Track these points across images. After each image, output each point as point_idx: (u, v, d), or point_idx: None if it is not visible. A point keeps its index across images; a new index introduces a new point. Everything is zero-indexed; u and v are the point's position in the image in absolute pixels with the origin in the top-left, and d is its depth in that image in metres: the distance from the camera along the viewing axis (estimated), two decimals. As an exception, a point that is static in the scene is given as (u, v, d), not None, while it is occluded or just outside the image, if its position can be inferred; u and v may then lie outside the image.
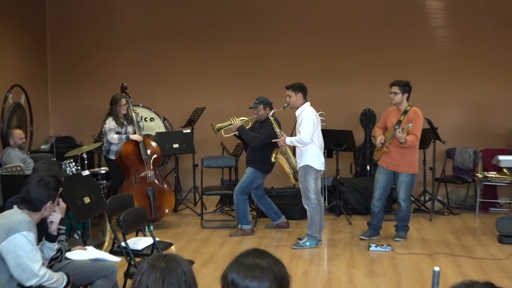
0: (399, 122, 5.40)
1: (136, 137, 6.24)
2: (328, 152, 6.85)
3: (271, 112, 5.70)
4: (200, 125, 7.70)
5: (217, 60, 8.18)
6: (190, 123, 7.44)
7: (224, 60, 8.17)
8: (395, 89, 5.45)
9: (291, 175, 5.75)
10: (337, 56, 7.89)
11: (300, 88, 5.41)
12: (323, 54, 7.92)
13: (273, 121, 5.69)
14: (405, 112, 5.42)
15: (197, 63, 8.21)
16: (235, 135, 6.09)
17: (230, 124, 5.98)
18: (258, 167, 5.90)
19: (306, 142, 5.27)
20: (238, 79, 8.15)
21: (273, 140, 5.58)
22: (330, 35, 7.89)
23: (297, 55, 7.97)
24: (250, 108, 5.97)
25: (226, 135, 6.08)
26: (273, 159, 5.77)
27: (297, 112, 5.41)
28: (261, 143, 5.81)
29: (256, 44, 8.08)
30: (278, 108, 5.63)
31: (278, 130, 5.66)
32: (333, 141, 6.57)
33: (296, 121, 5.50)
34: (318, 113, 5.58)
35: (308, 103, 5.42)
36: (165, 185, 6.37)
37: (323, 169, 5.48)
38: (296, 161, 5.55)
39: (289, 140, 5.43)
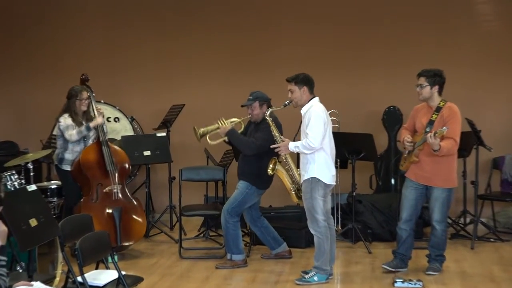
0: (430, 123, 5.42)
1: (97, 121, 6.20)
2: (342, 162, 6.89)
3: (268, 111, 5.71)
4: (178, 127, 7.73)
5: (200, 48, 8.25)
6: (166, 124, 7.47)
7: (210, 49, 8.24)
8: (422, 80, 5.47)
9: (293, 192, 5.72)
10: (354, 46, 7.99)
11: (304, 81, 5.42)
12: (337, 44, 8.03)
13: (270, 122, 5.70)
14: (438, 109, 5.44)
15: (175, 52, 8.29)
16: (224, 141, 6.10)
17: (218, 128, 5.94)
18: (253, 180, 5.91)
19: (315, 147, 5.26)
20: (227, 72, 8.22)
21: (271, 146, 5.59)
22: (346, 21, 8.00)
23: (303, 44, 8.06)
24: (243, 106, 5.98)
25: (212, 142, 6.05)
26: (270, 171, 5.76)
27: (303, 110, 5.42)
28: (257, 150, 5.81)
29: (252, 31, 8.16)
30: (278, 106, 5.63)
31: (277, 134, 5.66)
32: (348, 147, 6.59)
33: (301, 122, 5.51)
34: (329, 112, 5.58)
35: (316, 99, 5.42)
36: (135, 203, 6.37)
37: (334, 183, 5.48)
38: (299, 174, 5.56)
39: (293, 145, 5.41)
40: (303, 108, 5.42)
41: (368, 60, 7.93)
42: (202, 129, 5.99)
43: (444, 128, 5.19)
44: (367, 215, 6.93)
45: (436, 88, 5.45)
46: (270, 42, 8.14)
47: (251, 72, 8.08)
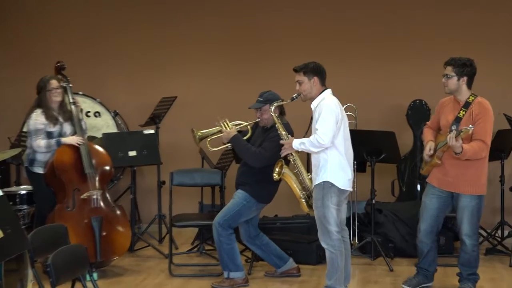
0: (457, 120, 5.42)
1: (73, 139, 6.24)
2: (359, 164, 6.91)
3: (273, 106, 5.68)
4: (168, 123, 7.77)
5: (195, 35, 8.30)
6: (154, 120, 7.49)
7: (205, 35, 8.29)
8: (449, 70, 5.47)
9: (303, 200, 5.70)
10: (374, 33, 8.04)
11: (315, 70, 5.40)
12: (354, 31, 8.07)
13: (276, 119, 5.69)
14: (467, 104, 5.44)
15: (166, 39, 8.35)
16: (226, 148, 6.13)
17: (220, 132, 5.96)
18: (254, 192, 5.90)
19: (325, 144, 5.24)
20: (225, 62, 8.27)
21: (281, 142, 5.56)
22: (362, 5, 8.06)
23: (312, 31, 8.11)
24: (250, 108, 6.00)
25: (213, 149, 6.04)
26: (275, 176, 5.72)
27: (313, 104, 5.41)
28: (266, 163, 5.80)
29: (254, 16, 8.21)
30: (285, 100, 5.64)
31: (283, 133, 5.64)
32: (367, 147, 6.61)
33: (311, 118, 5.51)
34: (345, 106, 5.60)
35: (328, 91, 5.41)
36: (117, 212, 6.38)
37: (351, 189, 5.46)
38: (310, 178, 5.57)
39: (298, 142, 5.39)
40: (313, 102, 5.40)
41: (391, 48, 7.96)
42: (202, 132, 6.00)
43: (469, 127, 5.12)
44: (389, 226, 6.94)
45: (464, 79, 5.44)
46: (274, 29, 8.17)
47: (252, 61, 8.12)
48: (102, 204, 6.28)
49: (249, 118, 6.09)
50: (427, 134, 5.69)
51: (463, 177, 5.45)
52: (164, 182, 7.32)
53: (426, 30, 7.92)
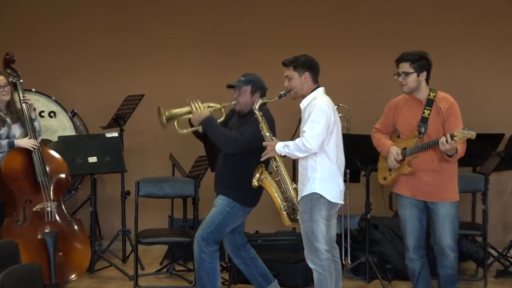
0: (423, 121, 5.50)
1: (25, 142, 6.23)
2: (353, 174, 6.94)
3: (258, 103, 5.64)
4: (134, 125, 7.80)
5: (167, 23, 8.32)
6: (118, 121, 7.51)
7: (180, 22, 8.30)
8: (406, 67, 5.55)
9: (285, 212, 5.67)
10: (369, 20, 8.10)
11: (307, 65, 5.41)
12: (345, 17, 8.13)
13: (260, 118, 5.63)
14: (430, 102, 5.52)
15: (132, 27, 8.35)
16: (196, 132, 5.97)
17: (190, 113, 5.90)
18: (237, 194, 5.83)
19: (311, 149, 5.22)
20: (202, 53, 8.29)
21: (264, 144, 5.53)
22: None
23: (300, 17, 8.14)
24: (230, 86, 5.94)
25: (181, 131, 5.85)
26: (254, 183, 5.68)
27: (303, 103, 5.41)
28: (242, 148, 5.74)
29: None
30: (271, 98, 5.60)
31: (267, 134, 5.59)
32: (361, 154, 6.62)
33: (300, 119, 5.51)
34: (336, 107, 5.60)
35: (321, 89, 5.42)
36: (75, 227, 6.36)
37: (342, 202, 5.48)
38: (295, 188, 5.58)
39: (281, 145, 5.38)
40: (303, 101, 5.42)
41: (389, 42, 7.98)
42: (170, 111, 5.88)
43: (466, 129, 5.14)
44: (386, 245, 6.98)
45: (424, 75, 5.54)
46: (256, 16, 8.21)
47: (231, 53, 8.15)
48: (57, 217, 6.25)
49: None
50: (384, 140, 5.72)
51: (440, 184, 5.50)
52: (129, 193, 7.34)
53: (427, 26, 8.01)
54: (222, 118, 5.99)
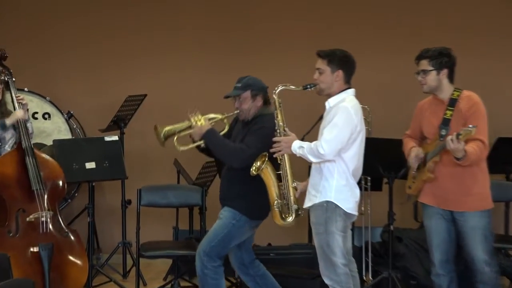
0: (445, 123, 5.45)
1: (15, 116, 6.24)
2: (375, 181, 6.93)
3: (278, 89, 5.53)
4: (136, 128, 7.84)
5: (170, 20, 8.38)
6: (118, 124, 7.54)
7: (182, 20, 8.36)
8: (425, 64, 5.54)
9: (276, 208, 5.61)
10: (396, 16, 8.11)
11: (342, 62, 5.39)
12: (368, 12, 8.15)
13: (278, 105, 5.56)
14: (452, 102, 5.49)
15: (133, 25, 8.40)
16: (198, 147, 6.01)
17: (190, 127, 5.93)
18: (243, 207, 5.84)
19: (325, 156, 5.20)
20: (206, 53, 8.33)
21: (274, 139, 5.49)
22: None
23: (315, 12, 8.17)
24: (227, 97, 5.96)
25: (181, 148, 5.89)
26: (252, 170, 5.62)
27: (329, 103, 5.39)
28: (248, 161, 5.72)
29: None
30: (296, 87, 5.51)
31: (281, 124, 5.53)
32: (384, 160, 6.63)
33: (320, 117, 5.52)
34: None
35: (351, 92, 5.43)
36: (72, 239, 6.37)
37: (357, 213, 5.47)
38: (295, 187, 5.56)
39: (298, 144, 5.36)
40: (330, 100, 5.40)
41: (415, 35, 8.00)
42: (167, 128, 5.90)
43: (470, 126, 5.09)
44: (410, 259, 6.96)
45: (445, 72, 5.51)
46: (262, 11, 8.25)
47: (238, 52, 8.19)
48: (52, 228, 6.26)
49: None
50: (407, 142, 5.75)
51: (466, 190, 5.44)
52: (130, 202, 7.36)
53: (460, 18, 8.03)
54: (225, 130, 6.02)
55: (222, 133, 5.95)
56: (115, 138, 7.20)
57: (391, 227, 6.78)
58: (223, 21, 8.32)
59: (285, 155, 5.50)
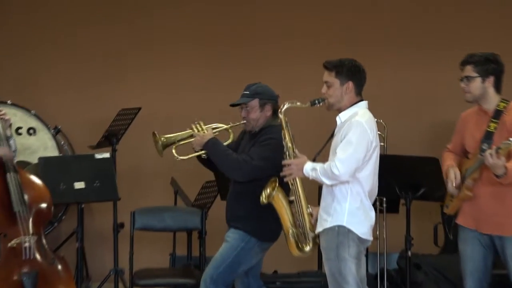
0: (488, 136, 5.39)
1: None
2: (391, 203, 6.96)
3: (285, 106, 5.50)
4: (130, 145, 7.85)
5: (168, 27, 8.43)
6: (110, 140, 7.53)
7: (181, 27, 8.40)
8: (469, 70, 5.49)
9: (291, 238, 5.62)
10: (412, 23, 8.15)
11: (352, 73, 5.37)
12: (384, 20, 8.19)
13: (284, 123, 5.52)
14: (497, 114, 5.43)
15: (126, 32, 8.45)
16: (199, 157, 6.00)
17: (191, 136, 5.94)
18: (253, 228, 5.83)
19: (340, 177, 5.18)
20: (206, 63, 8.36)
21: (283, 162, 5.45)
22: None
23: (325, 10, 8.22)
24: (233, 105, 5.98)
25: (180, 157, 5.90)
26: (262, 199, 5.60)
27: (340, 118, 5.38)
28: (251, 174, 5.75)
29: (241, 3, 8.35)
30: (303, 103, 5.46)
31: (289, 145, 5.51)
32: (400, 179, 6.60)
33: (332, 134, 5.49)
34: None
35: (363, 104, 5.40)
36: (58, 266, 6.34)
37: (371, 238, 5.46)
38: (310, 213, 5.53)
39: (310, 166, 5.34)
40: (341, 115, 5.38)
41: (434, 45, 8.03)
42: (167, 136, 5.95)
43: (510, 140, 5.04)
44: (430, 287, 6.91)
45: (490, 80, 5.44)
46: (267, 17, 8.32)
47: (242, 63, 8.23)
48: (37, 254, 6.21)
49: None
50: (445, 159, 5.70)
51: (508, 213, 5.37)
52: (122, 225, 7.33)
53: (481, 24, 8.06)
54: (229, 140, 6.04)
55: (226, 143, 5.97)
56: (107, 155, 7.15)
57: (409, 253, 6.69)
58: (222, 29, 8.37)
59: (297, 178, 5.48)
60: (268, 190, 5.61)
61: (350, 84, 5.34)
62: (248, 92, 5.92)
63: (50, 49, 8.44)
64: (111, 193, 7.07)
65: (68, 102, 8.34)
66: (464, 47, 7.80)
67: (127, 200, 7.23)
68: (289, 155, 5.49)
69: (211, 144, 5.84)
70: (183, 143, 5.93)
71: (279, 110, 5.54)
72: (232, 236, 5.88)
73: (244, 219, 5.86)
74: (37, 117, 7.87)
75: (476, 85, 5.43)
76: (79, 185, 6.92)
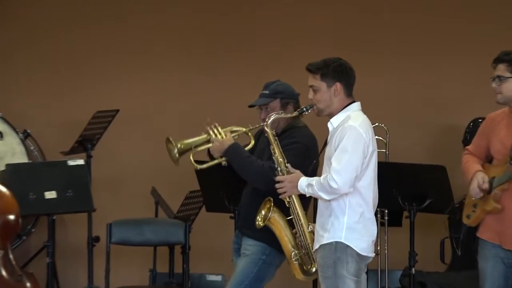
0: None
1: None
2: (393, 215, 6.93)
3: (271, 118, 5.55)
4: (106, 150, 7.80)
5: (148, 20, 8.39)
6: (84, 144, 7.50)
7: (164, 16, 8.37)
8: (502, 69, 5.46)
9: (295, 261, 5.62)
10: (415, 20, 8.13)
11: (338, 73, 5.33)
12: (385, 12, 8.18)
13: (272, 137, 5.56)
14: None
15: (103, 23, 8.41)
16: (220, 165, 5.90)
17: (208, 142, 5.88)
18: (273, 237, 5.72)
19: (339, 189, 5.16)
20: (196, 55, 8.33)
21: (276, 178, 5.46)
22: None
23: (324, 4, 8.20)
24: (251, 106, 5.97)
25: (200, 167, 5.89)
26: (258, 222, 5.62)
27: (332, 123, 5.35)
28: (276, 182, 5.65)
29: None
30: (290, 113, 5.60)
31: (280, 160, 5.51)
32: (403, 188, 6.59)
33: (325, 142, 5.50)
34: (373, 125, 5.56)
35: (356, 106, 5.36)
36: (27, 284, 6.32)
37: (373, 254, 5.43)
38: (312, 231, 5.51)
39: (305, 182, 5.33)
40: (332, 120, 5.36)
41: (439, 41, 8.03)
42: (185, 142, 5.85)
43: None
44: (436, 308, 6.94)
45: None
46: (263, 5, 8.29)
47: (236, 52, 8.21)
48: (3, 271, 6.23)
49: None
50: (472, 163, 5.63)
51: None
52: (98, 239, 7.32)
53: (487, 24, 8.05)
54: (251, 145, 5.99)
55: (246, 149, 5.93)
56: (81, 162, 7.09)
57: (413, 270, 6.68)
58: (211, 18, 8.34)
59: (294, 196, 5.50)
60: (263, 212, 5.63)
61: (338, 86, 5.30)
62: (267, 92, 5.90)
63: (19, 49, 8.40)
64: (85, 204, 7.02)
65: (38, 103, 8.27)
66: (471, 49, 7.93)
67: (103, 211, 7.18)
68: (281, 170, 5.51)
69: (233, 151, 5.80)
70: (200, 149, 5.88)
71: (265, 124, 5.59)
72: (251, 249, 5.86)
73: (262, 229, 5.76)
74: (4, 119, 7.81)
75: (510, 86, 5.41)
76: (50, 194, 6.86)
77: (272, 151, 5.56)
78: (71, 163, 7.03)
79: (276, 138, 5.60)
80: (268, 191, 5.67)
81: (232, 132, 5.88)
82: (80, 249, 7.68)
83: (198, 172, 6.27)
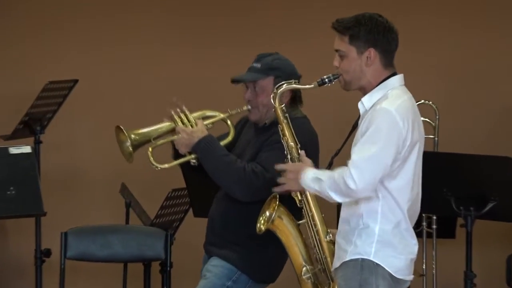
0: None
1: None
2: (443, 223, 6.93)
3: (280, 90, 5.43)
4: (61, 133, 7.84)
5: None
6: (32, 126, 7.49)
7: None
8: None
9: (307, 279, 5.60)
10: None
11: (372, 34, 5.24)
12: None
13: (280, 114, 5.47)
14: None
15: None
16: (187, 165, 5.91)
17: (173, 131, 5.85)
18: (247, 259, 5.82)
19: (356, 192, 5.08)
20: (182, 15, 8.42)
21: (277, 167, 5.33)
22: None
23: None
24: (235, 82, 5.92)
25: (160, 166, 5.81)
26: (260, 225, 5.56)
27: (363, 103, 5.27)
28: (260, 192, 5.68)
29: None
30: (308, 84, 5.38)
31: (291, 144, 5.47)
32: (458, 188, 6.56)
33: (354, 126, 5.45)
34: (418, 103, 5.53)
35: (397, 80, 5.30)
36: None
37: (412, 277, 5.35)
38: (329, 240, 5.49)
39: (311, 175, 5.26)
40: (364, 99, 5.27)
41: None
42: (140, 132, 5.82)
43: None
44: None
45: None
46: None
47: (232, 26, 8.26)
48: None
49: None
50: None
51: None
52: (49, 252, 7.34)
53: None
54: (230, 137, 5.96)
55: (224, 142, 5.90)
56: (27, 149, 7.05)
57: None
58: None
59: (308, 192, 5.43)
60: (267, 213, 5.59)
61: (372, 52, 5.23)
62: (259, 66, 5.86)
63: None
64: (32, 205, 6.95)
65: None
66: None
67: (56, 215, 7.15)
68: (291, 158, 5.47)
69: (204, 145, 5.80)
70: (161, 143, 5.83)
71: (271, 96, 5.48)
72: (214, 270, 5.85)
73: (232, 246, 5.85)
74: None
75: None
76: (-11, 193, 6.82)
77: (281, 132, 5.48)
78: (13, 150, 6.95)
79: (287, 115, 5.51)
80: (249, 202, 5.70)
81: (205, 118, 5.85)
82: (26, 265, 7.76)
83: (184, 165, 6.13)
